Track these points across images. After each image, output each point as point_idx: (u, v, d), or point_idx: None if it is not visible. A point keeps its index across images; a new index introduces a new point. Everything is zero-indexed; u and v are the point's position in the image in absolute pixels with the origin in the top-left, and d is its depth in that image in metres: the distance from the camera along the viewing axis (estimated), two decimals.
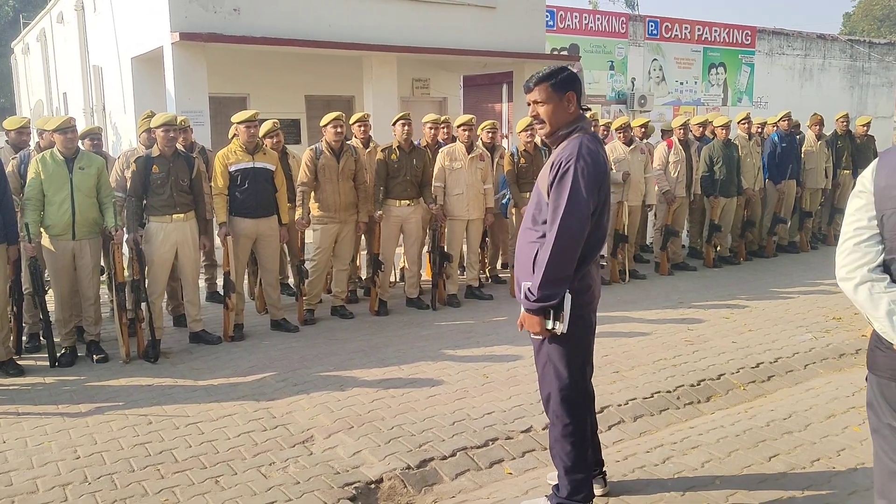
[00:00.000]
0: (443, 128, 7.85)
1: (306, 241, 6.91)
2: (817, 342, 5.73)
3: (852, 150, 9.95)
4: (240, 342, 5.91)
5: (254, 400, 4.60)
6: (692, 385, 4.83)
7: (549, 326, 2.87)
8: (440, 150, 7.07)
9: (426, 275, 7.45)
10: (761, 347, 5.59)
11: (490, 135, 7.36)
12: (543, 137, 3.00)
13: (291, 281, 7.20)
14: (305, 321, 6.40)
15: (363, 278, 7.55)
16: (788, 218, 9.43)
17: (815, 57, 26.08)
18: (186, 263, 5.78)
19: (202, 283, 6.81)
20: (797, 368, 5.22)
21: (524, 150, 7.28)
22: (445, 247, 7.00)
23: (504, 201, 7.52)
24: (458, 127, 7.00)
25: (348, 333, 6.14)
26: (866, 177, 2.08)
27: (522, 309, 2.93)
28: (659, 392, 4.69)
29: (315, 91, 13.11)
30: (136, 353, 5.50)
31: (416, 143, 7.14)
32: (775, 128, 9.27)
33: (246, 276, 6.61)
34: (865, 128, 10.15)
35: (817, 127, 9.52)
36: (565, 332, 2.87)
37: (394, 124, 6.83)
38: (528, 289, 2.84)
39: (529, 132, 7.24)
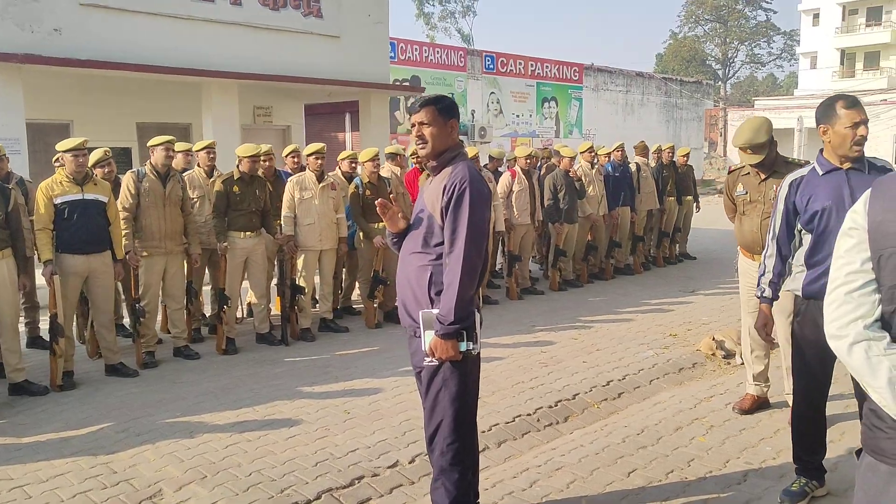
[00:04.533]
0: (292, 157, 7.65)
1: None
2: (658, 358, 6.06)
3: (676, 178, 10.79)
4: (70, 391, 5.35)
5: (90, 455, 4.15)
6: (550, 406, 4.94)
7: (463, 348, 2.88)
8: (289, 180, 6.87)
9: (275, 309, 7.17)
10: (610, 366, 5.83)
11: (352, 165, 7.30)
12: (424, 158, 3.05)
13: (127, 321, 6.66)
14: (145, 364, 5.92)
15: (207, 315, 7.13)
16: (624, 242, 10.03)
17: (635, 93, 28.27)
18: (3, 306, 5.16)
19: (22, 328, 6.14)
20: (643, 384, 5.49)
21: (369, 181, 7.23)
22: (297, 279, 6.77)
23: (351, 231, 7.42)
24: (309, 156, 6.84)
25: (195, 375, 5.74)
26: (857, 211, 1.74)
27: (427, 337, 2.89)
28: (520, 415, 4.74)
29: (148, 118, 12.35)
30: None
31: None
32: (608, 158, 9.87)
33: (75, 318, 6.02)
34: (685, 158, 11.08)
35: (644, 153, 10.32)
36: (479, 351, 2.96)
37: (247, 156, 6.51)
38: (440, 313, 2.83)
39: (374, 162, 7.22)
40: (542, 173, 9.21)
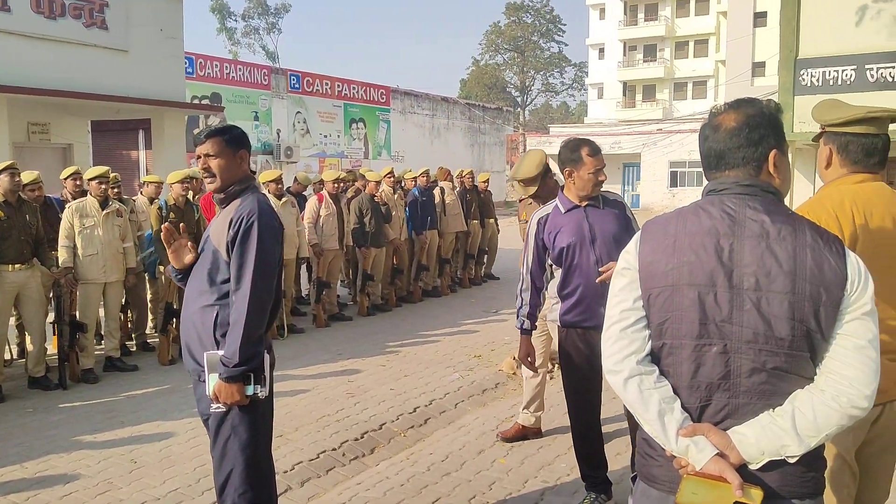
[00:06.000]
0: (73, 179, 6.97)
1: None
2: (464, 380, 6.18)
3: (479, 202, 11.19)
4: None
5: None
6: (356, 439, 4.84)
7: (250, 392, 2.69)
8: (67, 206, 6.25)
9: (52, 348, 6.46)
10: (417, 391, 5.85)
11: (116, 190, 6.74)
12: (213, 192, 2.85)
13: None
14: None
15: None
16: (431, 265, 10.21)
17: (440, 117, 29.15)
18: None
19: None
20: (449, 408, 5.56)
21: (174, 203, 6.77)
22: (78, 315, 6.15)
23: (150, 259, 6.90)
24: (91, 180, 6.26)
25: None
26: (630, 251, 1.82)
27: (211, 381, 2.68)
28: (324, 451, 4.60)
29: None
30: None
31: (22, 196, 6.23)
32: (414, 182, 10.02)
33: None
34: (486, 183, 11.55)
35: (448, 177, 10.62)
36: (267, 395, 2.76)
37: None
38: (225, 355, 2.65)
39: (185, 185, 6.78)
40: (348, 197, 9.15)
